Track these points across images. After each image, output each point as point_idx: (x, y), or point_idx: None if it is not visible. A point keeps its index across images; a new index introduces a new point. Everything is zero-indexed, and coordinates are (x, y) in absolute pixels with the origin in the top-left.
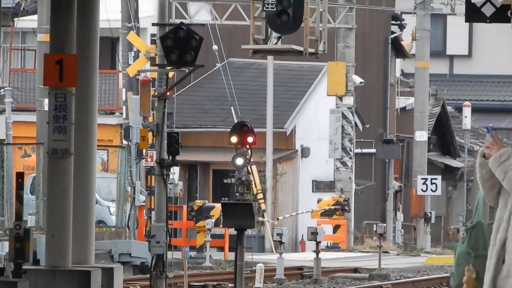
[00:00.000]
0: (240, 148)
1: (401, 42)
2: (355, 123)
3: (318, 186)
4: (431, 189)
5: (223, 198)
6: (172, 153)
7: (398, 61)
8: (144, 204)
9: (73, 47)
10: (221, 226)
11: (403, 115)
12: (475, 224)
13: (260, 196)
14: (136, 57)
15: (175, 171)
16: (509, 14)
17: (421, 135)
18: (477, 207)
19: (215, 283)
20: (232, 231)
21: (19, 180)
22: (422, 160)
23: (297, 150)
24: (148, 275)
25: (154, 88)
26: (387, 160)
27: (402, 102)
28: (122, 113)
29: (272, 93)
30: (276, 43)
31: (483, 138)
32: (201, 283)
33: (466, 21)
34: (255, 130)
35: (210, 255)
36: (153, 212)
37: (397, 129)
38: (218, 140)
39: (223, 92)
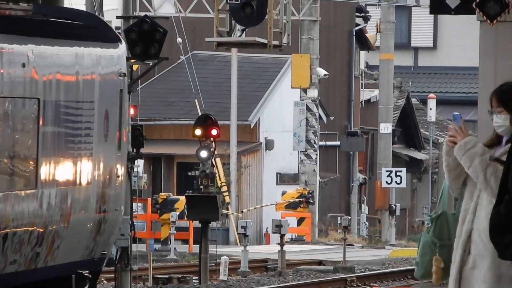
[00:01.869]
0: (204, 141)
1: (366, 34)
2: (319, 115)
3: (283, 178)
4: (396, 182)
5: (187, 191)
6: (136, 145)
7: (363, 53)
8: None
9: None
10: (186, 218)
11: (368, 107)
12: (440, 214)
13: (224, 188)
14: None
15: (139, 164)
16: (474, 6)
17: (386, 128)
18: (442, 197)
19: (179, 275)
20: (197, 223)
21: None
22: (386, 152)
23: (261, 143)
24: (113, 268)
25: None
26: (351, 152)
27: (366, 94)
28: None
29: (236, 86)
30: (240, 36)
31: (448, 130)
32: (166, 276)
33: (430, 13)
34: (219, 122)
35: (175, 248)
36: None
37: (361, 122)
38: (182, 132)
39: (187, 85)
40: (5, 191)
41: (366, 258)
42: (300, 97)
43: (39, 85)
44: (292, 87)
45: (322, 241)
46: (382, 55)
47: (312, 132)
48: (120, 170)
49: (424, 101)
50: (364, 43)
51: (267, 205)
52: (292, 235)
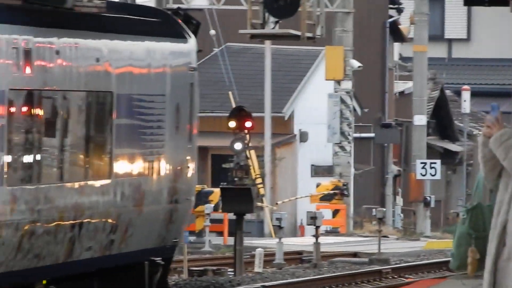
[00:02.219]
0: (238, 133)
1: (399, 26)
2: (354, 107)
3: (317, 170)
4: (430, 174)
5: (222, 183)
6: None
7: (396, 45)
8: None
9: None
10: (220, 211)
11: (402, 99)
12: (475, 206)
13: (258, 181)
14: None
15: None
16: None
17: (420, 119)
18: (477, 189)
19: (214, 267)
20: (231, 216)
21: None
22: (421, 144)
23: (295, 135)
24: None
25: None
26: (385, 144)
27: (400, 86)
28: None
29: (270, 78)
30: (273, 28)
31: (482, 122)
32: (201, 268)
33: (464, 4)
34: (253, 115)
35: (209, 240)
36: None
37: (395, 113)
38: (216, 125)
39: (221, 77)
40: (81, 182)
41: (401, 250)
42: (334, 89)
43: (112, 79)
44: (326, 79)
45: (356, 233)
46: (415, 47)
47: (347, 124)
48: (191, 161)
49: (458, 93)
50: (397, 35)
51: (301, 197)
52: (326, 227)
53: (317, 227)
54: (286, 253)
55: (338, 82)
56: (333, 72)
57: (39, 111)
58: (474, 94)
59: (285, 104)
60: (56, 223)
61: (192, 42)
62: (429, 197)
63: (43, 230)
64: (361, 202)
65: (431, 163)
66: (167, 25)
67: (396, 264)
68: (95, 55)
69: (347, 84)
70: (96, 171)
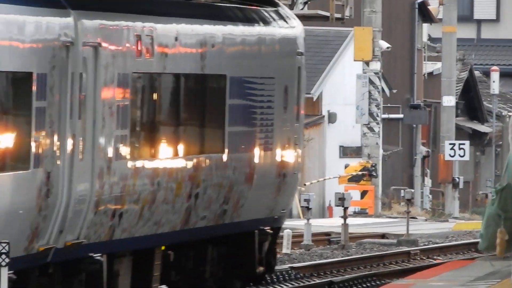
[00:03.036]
0: None
1: (428, 7)
2: (382, 88)
3: (345, 151)
4: (459, 155)
5: None
6: None
7: (425, 26)
8: None
9: None
10: None
11: (430, 80)
12: (505, 186)
13: None
14: None
15: None
16: None
17: (449, 100)
18: (507, 169)
19: None
20: None
21: None
22: (449, 125)
23: (323, 116)
24: None
25: None
26: (414, 125)
27: (429, 67)
28: None
29: None
30: (302, 9)
31: None
32: None
33: None
34: None
35: None
36: None
37: (424, 94)
38: None
39: None
40: (197, 156)
41: (429, 231)
42: (363, 70)
43: (226, 63)
44: (354, 60)
45: (385, 214)
46: (444, 28)
47: (375, 105)
48: (298, 138)
49: (487, 74)
50: (426, 16)
51: (329, 178)
52: (355, 208)
53: (345, 208)
54: (314, 235)
55: (366, 63)
56: (361, 53)
57: (159, 93)
58: (503, 75)
59: (314, 85)
60: (174, 194)
61: (299, 28)
62: (458, 178)
63: (162, 200)
64: (389, 183)
65: (460, 144)
66: (276, 12)
67: (425, 245)
68: (210, 41)
69: (376, 65)
70: (211, 146)
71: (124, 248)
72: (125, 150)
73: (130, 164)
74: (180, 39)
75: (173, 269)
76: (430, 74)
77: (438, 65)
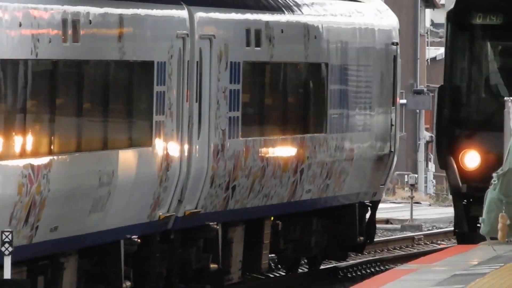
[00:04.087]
0: None
1: None
2: None
3: None
4: None
5: None
6: None
7: (428, 11)
8: None
9: None
10: None
11: (434, 65)
12: (507, 171)
13: None
14: None
15: None
16: None
17: None
18: (509, 154)
19: None
20: None
21: None
22: None
23: None
24: None
25: None
26: (417, 110)
27: (432, 52)
28: None
29: None
30: None
31: None
32: None
33: None
34: None
35: None
36: None
37: (427, 80)
38: None
39: None
40: (301, 135)
41: (433, 216)
42: None
43: (327, 52)
44: None
45: (389, 199)
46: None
47: None
48: (394, 120)
49: None
50: (429, 1)
51: None
52: None
53: None
54: None
55: None
56: None
57: (266, 79)
58: None
59: None
60: (281, 169)
61: (394, 20)
62: None
63: (271, 175)
64: (393, 168)
65: None
66: (372, 5)
67: (429, 230)
68: (314, 33)
69: None
70: (314, 127)
71: (237, 218)
72: (237, 130)
73: (241, 142)
74: (286, 31)
75: (281, 238)
76: (433, 59)
77: (441, 50)
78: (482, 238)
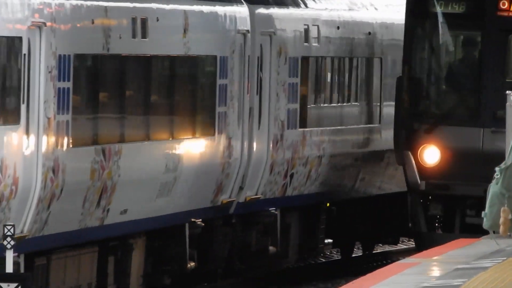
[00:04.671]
0: None
1: None
2: None
3: None
4: None
5: None
6: None
7: None
8: None
9: None
10: None
11: None
12: (509, 165)
13: None
14: None
15: None
16: None
17: None
18: (511, 148)
19: None
20: None
21: None
22: None
23: None
24: None
25: None
26: None
27: None
28: None
29: None
30: None
31: None
32: None
33: None
34: None
35: None
36: None
37: None
38: None
39: None
40: (355, 126)
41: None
42: None
43: (381, 47)
44: None
45: None
46: None
47: None
48: None
49: None
50: None
51: None
52: None
53: None
54: None
55: None
56: None
57: (323, 73)
58: None
59: None
60: (337, 158)
61: None
62: None
63: (327, 163)
64: None
65: None
66: None
67: None
68: (368, 29)
69: None
70: (367, 117)
71: (295, 204)
72: (295, 121)
73: (299, 133)
74: (341, 27)
75: (335, 223)
76: None
77: None
78: (441, 238)
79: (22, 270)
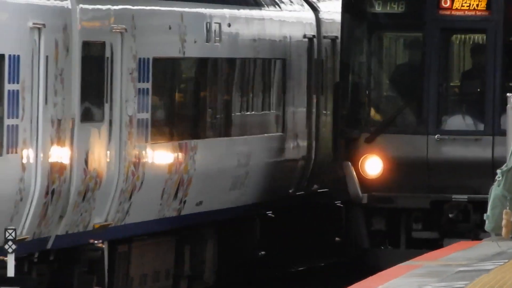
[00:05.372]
0: None
1: None
2: None
3: None
4: None
5: None
6: None
7: None
8: None
9: None
10: None
11: None
12: (511, 168)
13: None
14: None
15: None
16: None
17: None
18: None
19: None
20: None
21: None
22: None
23: None
24: None
25: None
26: None
27: None
28: None
29: None
30: None
31: None
32: None
33: None
34: None
35: None
36: None
37: None
38: None
39: None
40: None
41: None
42: None
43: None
44: None
45: None
46: None
47: None
48: None
49: None
50: None
51: None
52: None
53: None
54: None
55: None
56: None
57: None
58: None
59: None
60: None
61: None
62: None
63: None
64: None
65: None
66: None
67: None
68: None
69: None
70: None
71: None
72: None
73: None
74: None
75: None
76: None
77: None
78: (386, 255)
79: (106, 256)
